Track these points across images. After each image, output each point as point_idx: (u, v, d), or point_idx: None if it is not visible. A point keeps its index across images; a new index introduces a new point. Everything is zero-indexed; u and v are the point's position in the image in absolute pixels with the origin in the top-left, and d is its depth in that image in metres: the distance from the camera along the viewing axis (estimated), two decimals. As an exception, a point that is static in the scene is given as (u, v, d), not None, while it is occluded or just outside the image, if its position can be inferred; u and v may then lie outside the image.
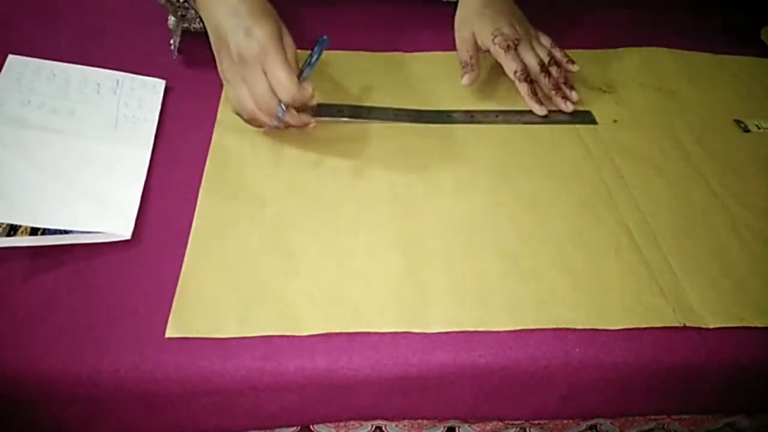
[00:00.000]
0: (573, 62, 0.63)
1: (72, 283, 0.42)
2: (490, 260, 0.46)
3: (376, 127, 0.57)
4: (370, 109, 0.58)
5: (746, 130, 0.60)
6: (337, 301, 0.43)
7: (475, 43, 0.61)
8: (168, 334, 0.40)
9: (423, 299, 0.43)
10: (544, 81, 0.59)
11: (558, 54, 0.63)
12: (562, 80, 0.60)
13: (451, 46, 0.63)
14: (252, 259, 0.45)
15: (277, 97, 0.49)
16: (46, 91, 0.54)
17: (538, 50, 0.61)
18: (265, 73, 0.48)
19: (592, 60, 0.67)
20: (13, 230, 0.44)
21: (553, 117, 0.59)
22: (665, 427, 0.52)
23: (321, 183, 0.51)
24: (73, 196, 0.46)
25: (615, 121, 0.60)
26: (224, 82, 0.53)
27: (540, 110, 0.59)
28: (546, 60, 0.61)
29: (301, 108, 0.52)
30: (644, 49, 0.69)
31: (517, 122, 0.59)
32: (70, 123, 0.52)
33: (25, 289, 0.42)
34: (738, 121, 0.61)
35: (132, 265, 0.44)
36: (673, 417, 0.51)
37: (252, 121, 0.52)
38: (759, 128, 0.60)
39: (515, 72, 0.59)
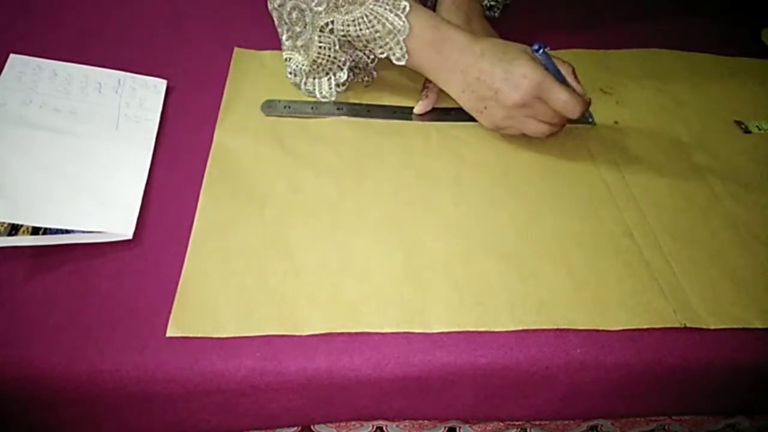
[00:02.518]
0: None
1: (73, 282, 0.42)
2: (491, 260, 0.46)
3: (375, 125, 0.57)
4: (369, 107, 0.59)
5: (747, 131, 0.60)
6: (338, 301, 0.43)
7: None
8: (169, 333, 0.40)
9: (423, 299, 0.43)
10: None
11: None
12: None
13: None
14: (252, 258, 0.45)
15: (564, 115, 0.52)
16: (48, 91, 0.54)
17: None
18: (546, 102, 0.51)
19: (593, 61, 0.67)
20: (14, 230, 0.44)
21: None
22: (666, 428, 0.52)
23: (321, 183, 0.51)
24: (74, 196, 0.46)
25: (616, 122, 0.60)
26: (499, 130, 0.56)
27: None
28: None
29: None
30: (645, 50, 0.69)
31: None
32: (72, 122, 0.52)
33: (27, 288, 0.42)
34: (739, 122, 0.61)
35: (133, 265, 0.44)
36: (673, 418, 0.51)
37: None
38: (760, 129, 0.60)
39: None
